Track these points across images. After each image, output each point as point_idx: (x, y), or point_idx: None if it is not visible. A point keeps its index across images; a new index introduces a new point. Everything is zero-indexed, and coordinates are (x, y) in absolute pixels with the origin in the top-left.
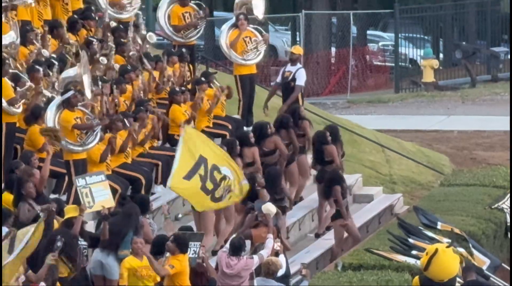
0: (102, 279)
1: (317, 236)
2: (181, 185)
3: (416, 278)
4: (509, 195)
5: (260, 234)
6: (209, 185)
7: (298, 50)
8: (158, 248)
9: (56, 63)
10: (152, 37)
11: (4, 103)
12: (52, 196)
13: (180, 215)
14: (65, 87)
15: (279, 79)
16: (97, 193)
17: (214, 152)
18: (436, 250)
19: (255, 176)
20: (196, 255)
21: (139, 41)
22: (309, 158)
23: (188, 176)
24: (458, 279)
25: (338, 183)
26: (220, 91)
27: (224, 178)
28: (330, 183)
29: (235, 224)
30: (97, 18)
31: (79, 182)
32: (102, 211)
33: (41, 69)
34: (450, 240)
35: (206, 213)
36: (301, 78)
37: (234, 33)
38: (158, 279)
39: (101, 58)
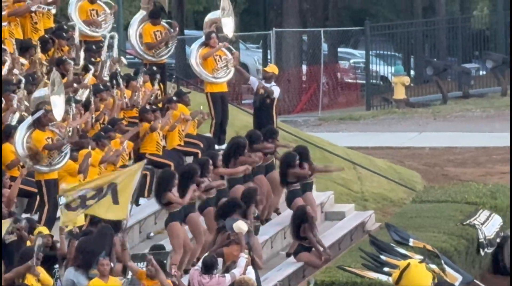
0: None
1: (288, 255)
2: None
3: None
4: (480, 211)
5: (232, 252)
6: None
7: (272, 69)
8: None
9: (23, 79)
10: (123, 61)
11: None
12: (24, 215)
13: (152, 234)
14: (36, 107)
15: (254, 85)
16: None
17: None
18: (408, 264)
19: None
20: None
21: (110, 62)
22: None
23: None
24: None
25: (306, 221)
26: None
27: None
28: (298, 221)
29: (207, 242)
30: (73, 36)
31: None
32: (73, 229)
33: (11, 91)
34: (422, 257)
35: (174, 232)
36: (276, 92)
37: (205, 50)
38: None
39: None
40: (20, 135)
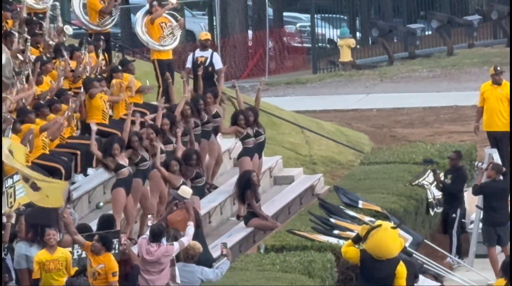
0: (27, 272)
1: (238, 217)
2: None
3: (357, 250)
4: (429, 171)
5: (176, 218)
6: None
7: (208, 35)
8: None
9: None
10: (69, 29)
11: None
12: None
13: (101, 204)
14: None
15: (190, 64)
16: (18, 191)
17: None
18: (380, 225)
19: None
20: (117, 251)
21: (54, 32)
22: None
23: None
24: None
25: (249, 187)
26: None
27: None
28: (242, 187)
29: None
30: (19, 10)
31: (8, 182)
32: (19, 207)
33: None
34: (373, 219)
35: (116, 197)
36: (220, 62)
37: (149, 19)
38: (71, 272)
39: (18, 54)
40: None
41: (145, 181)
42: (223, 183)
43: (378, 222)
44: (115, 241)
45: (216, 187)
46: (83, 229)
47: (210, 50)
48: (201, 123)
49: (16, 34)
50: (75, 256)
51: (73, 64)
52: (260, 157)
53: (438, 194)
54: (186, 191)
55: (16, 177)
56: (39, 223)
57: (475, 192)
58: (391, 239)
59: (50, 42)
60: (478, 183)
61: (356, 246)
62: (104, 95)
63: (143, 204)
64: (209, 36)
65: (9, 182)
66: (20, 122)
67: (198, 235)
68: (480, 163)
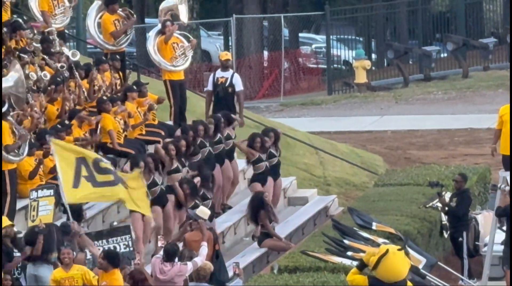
0: None
1: (253, 237)
2: (76, 196)
3: (364, 277)
4: (443, 193)
5: (193, 238)
6: (101, 178)
7: (228, 55)
8: None
9: None
10: (76, 54)
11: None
12: None
13: (115, 223)
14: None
15: (210, 86)
16: (42, 207)
17: (86, 152)
18: (387, 251)
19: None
20: (128, 249)
21: (66, 52)
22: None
23: (75, 184)
24: None
25: (263, 208)
26: (149, 110)
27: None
28: (255, 208)
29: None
30: (33, 29)
31: (32, 194)
32: (39, 224)
33: None
34: (387, 241)
35: (134, 220)
36: (240, 83)
37: (162, 38)
38: (94, 282)
39: (30, 73)
40: None
41: (164, 207)
42: (237, 203)
43: (383, 247)
44: (126, 237)
45: (230, 207)
46: None
47: (231, 71)
48: (213, 142)
49: (26, 56)
50: (89, 256)
51: (85, 84)
52: (275, 179)
53: None
54: (204, 211)
55: (40, 193)
56: (49, 242)
57: (499, 214)
58: (400, 262)
59: (60, 65)
60: (502, 206)
61: (362, 273)
62: (121, 114)
63: (164, 223)
64: (229, 56)
65: (33, 194)
66: (40, 145)
67: (218, 257)
68: (503, 185)
